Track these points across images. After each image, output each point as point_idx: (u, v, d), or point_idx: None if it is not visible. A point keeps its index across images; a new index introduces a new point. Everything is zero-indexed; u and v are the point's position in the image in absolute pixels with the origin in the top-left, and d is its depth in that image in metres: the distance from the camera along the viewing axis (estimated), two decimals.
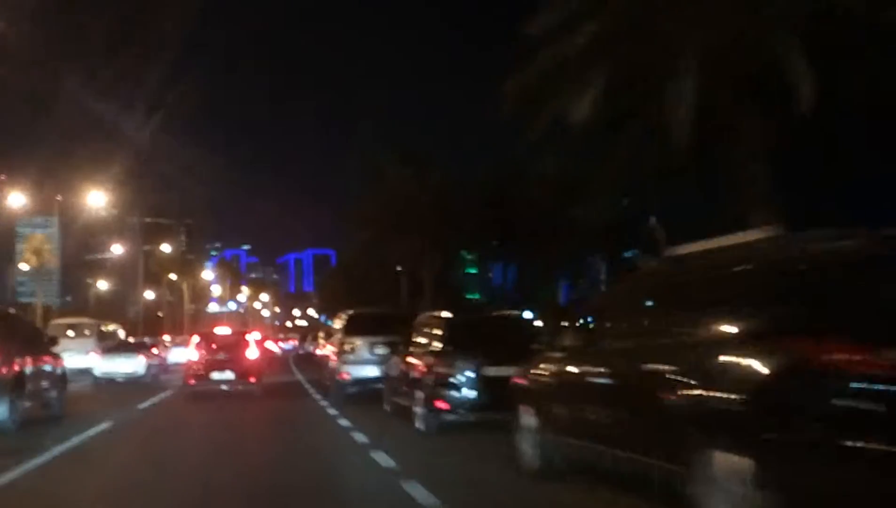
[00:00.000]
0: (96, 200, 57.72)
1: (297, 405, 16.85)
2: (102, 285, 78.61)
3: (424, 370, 11.40)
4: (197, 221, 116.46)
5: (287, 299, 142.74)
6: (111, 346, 29.13)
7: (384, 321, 16.24)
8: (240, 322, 67.38)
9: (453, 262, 28.95)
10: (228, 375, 18.17)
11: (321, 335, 35.03)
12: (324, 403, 16.27)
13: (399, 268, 36.11)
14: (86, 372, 25.96)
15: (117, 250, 70.41)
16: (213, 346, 19.19)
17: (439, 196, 28.59)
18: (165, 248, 67.40)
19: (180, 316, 72.08)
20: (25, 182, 44.97)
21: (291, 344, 67.94)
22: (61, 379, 14.53)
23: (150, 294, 71.60)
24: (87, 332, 31.15)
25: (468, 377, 10.29)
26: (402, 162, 30.17)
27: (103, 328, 33.27)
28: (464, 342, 10.88)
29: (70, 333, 30.52)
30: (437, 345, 11.49)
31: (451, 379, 10.41)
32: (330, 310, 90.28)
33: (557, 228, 25.44)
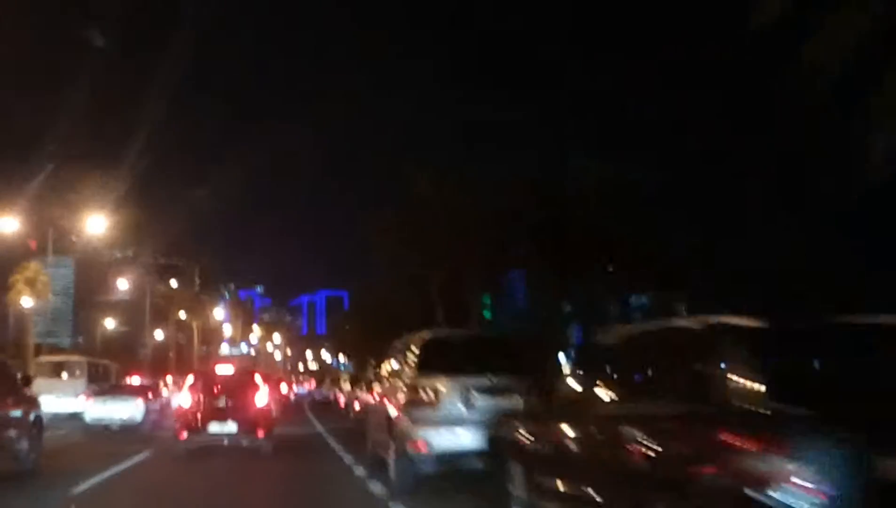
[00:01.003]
0: (109, 239, 56.01)
1: (323, 471, 12.92)
2: (111, 324, 77.22)
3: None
4: (211, 261, 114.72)
5: (300, 342, 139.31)
6: (105, 388, 25.69)
7: (480, 351, 10.38)
8: (251, 365, 63.58)
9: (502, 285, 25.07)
10: (230, 427, 14.27)
11: (343, 378, 31.56)
12: (359, 471, 11.95)
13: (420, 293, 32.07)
14: (76, 417, 23.19)
15: (125, 288, 67.84)
16: (213, 389, 15.23)
17: (486, 213, 24.74)
18: (173, 283, 64.36)
19: (190, 357, 68.65)
20: (35, 221, 42.05)
21: (306, 388, 63.93)
22: (35, 427, 12.45)
23: (159, 334, 69.80)
24: (77, 372, 27.52)
25: None
26: (441, 177, 26.19)
27: (98, 367, 29.64)
28: None
29: (64, 375, 27.03)
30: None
31: None
32: (347, 352, 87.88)
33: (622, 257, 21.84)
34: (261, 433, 14.28)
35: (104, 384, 27.45)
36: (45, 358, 29.68)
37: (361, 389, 22.18)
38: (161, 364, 61.87)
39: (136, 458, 14.41)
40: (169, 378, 40.03)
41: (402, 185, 26.57)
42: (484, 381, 9.32)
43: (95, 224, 43.22)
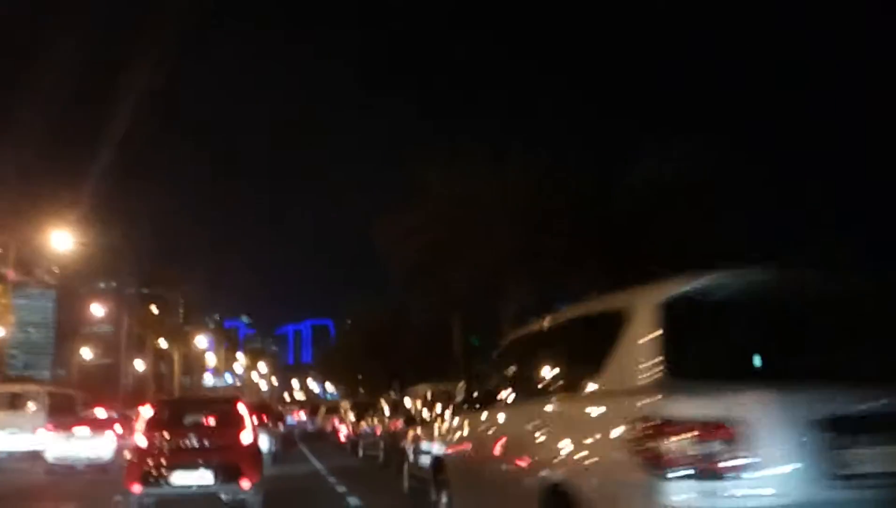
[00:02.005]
0: (91, 269, 56.37)
1: None
2: (91, 356, 74.58)
3: None
4: (195, 291, 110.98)
5: (285, 371, 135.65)
6: (69, 422, 21.81)
7: None
8: (235, 394, 59.20)
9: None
10: (203, 475, 10.17)
11: (344, 408, 27.81)
12: None
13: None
14: (35, 456, 20.28)
15: (107, 319, 64.70)
16: (180, 424, 11.34)
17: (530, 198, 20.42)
18: (154, 310, 61.15)
19: (172, 389, 64.86)
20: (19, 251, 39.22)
21: (293, 419, 59.42)
22: None
23: (140, 365, 66.74)
24: (35, 403, 23.59)
25: None
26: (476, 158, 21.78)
27: (60, 398, 25.75)
28: None
29: (29, 406, 23.20)
30: None
31: None
32: (335, 381, 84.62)
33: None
34: (246, 483, 10.16)
35: (69, 417, 23.73)
36: None
37: (373, 421, 18.88)
38: (141, 396, 57.86)
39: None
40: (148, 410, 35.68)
41: (414, 184, 22.51)
42: None
43: (74, 254, 40.66)
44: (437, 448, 7.64)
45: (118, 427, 21.57)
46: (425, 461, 8.77)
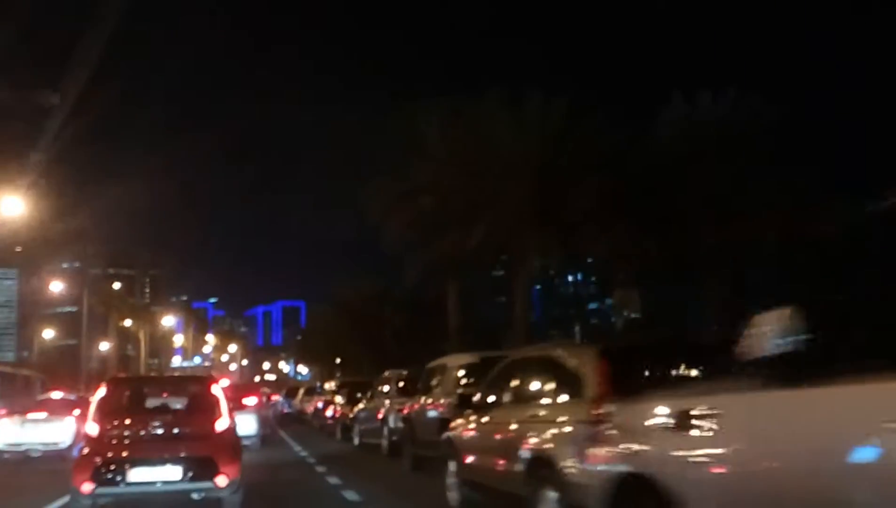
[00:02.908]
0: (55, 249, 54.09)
1: None
2: (56, 337, 72.23)
3: None
4: (162, 272, 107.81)
5: (256, 353, 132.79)
6: (24, 405, 19.43)
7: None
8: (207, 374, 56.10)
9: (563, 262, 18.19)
10: (169, 471, 8.20)
11: (331, 386, 25.28)
12: None
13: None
14: None
15: (63, 295, 62.11)
16: (140, 408, 9.12)
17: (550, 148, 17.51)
18: (116, 286, 58.52)
19: (139, 370, 61.98)
20: None
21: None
22: None
23: (105, 346, 64.03)
24: None
25: None
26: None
27: (14, 379, 23.08)
28: None
29: None
30: None
31: None
32: (308, 362, 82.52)
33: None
34: (223, 480, 8.22)
35: (24, 399, 21.15)
36: None
37: (372, 403, 16.34)
38: (104, 378, 54.91)
39: (59, 501, 9.41)
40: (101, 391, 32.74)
41: (408, 144, 19.79)
42: None
43: (37, 232, 38.21)
44: (539, 444, 6.24)
45: (78, 412, 19.31)
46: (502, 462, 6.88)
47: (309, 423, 29.05)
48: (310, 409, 30.33)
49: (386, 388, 15.72)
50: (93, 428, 8.42)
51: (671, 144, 17.05)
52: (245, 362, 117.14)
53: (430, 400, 11.60)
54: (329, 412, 22.06)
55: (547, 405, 6.29)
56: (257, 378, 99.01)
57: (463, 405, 7.88)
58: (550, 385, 6.42)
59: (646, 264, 19.06)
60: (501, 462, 6.67)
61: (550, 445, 5.84)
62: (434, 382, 11.71)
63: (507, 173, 17.70)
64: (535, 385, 6.72)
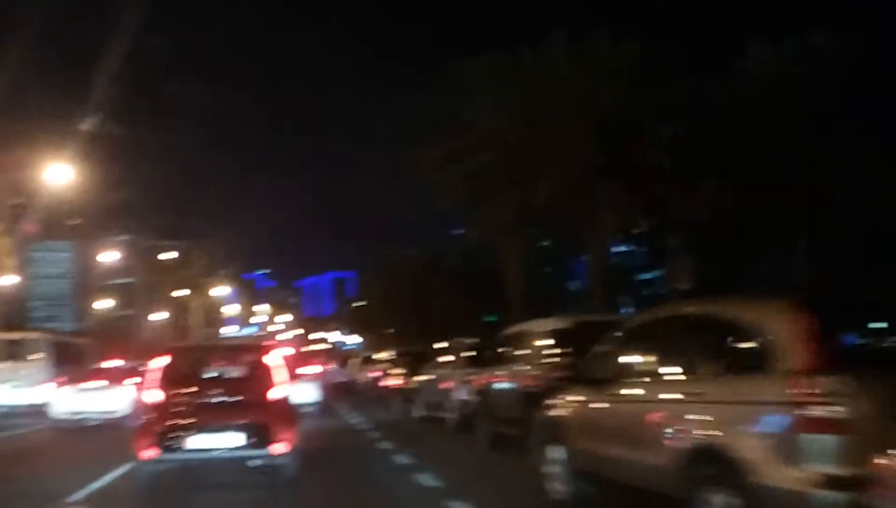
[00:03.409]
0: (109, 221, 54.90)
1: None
2: (112, 307, 73.39)
3: None
4: (214, 244, 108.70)
5: (306, 323, 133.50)
6: (81, 374, 19.26)
7: None
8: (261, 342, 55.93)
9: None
10: (228, 438, 8.28)
11: (386, 356, 24.54)
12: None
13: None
14: (39, 411, 18.20)
15: (119, 267, 63.00)
16: (198, 377, 9.32)
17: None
18: (169, 255, 59.08)
19: (192, 340, 62.53)
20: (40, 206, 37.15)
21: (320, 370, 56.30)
22: None
23: (160, 316, 64.78)
24: (37, 353, 20.58)
25: None
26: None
27: (68, 347, 22.76)
28: None
29: (34, 355, 20.20)
30: None
31: None
32: (360, 332, 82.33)
33: None
34: (280, 447, 8.33)
35: (78, 367, 20.83)
36: None
37: (437, 373, 15.31)
38: (159, 348, 55.55)
39: (120, 469, 9.44)
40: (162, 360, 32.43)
41: (460, 99, 18.54)
42: None
43: (93, 205, 38.37)
44: (703, 431, 4.80)
45: (135, 380, 18.90)
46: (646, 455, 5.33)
47: (363, 393, 28.41)
48: (363, 379, 29.73)
49: (450, 358, 14.72)
50: (155, 396, 8.57)
51: (754, 91, 15.43)
52: (295, 331, 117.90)
53: (510, 371, 10.36)
54: (385, 383, 21.26)
55: (715, 379, 4.87)
56: (308, 348, 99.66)
57: (576, 377, 6.53)
58: (718, 353, 5.00)
59: (710, 228, 17.76)
60: (639, 451, 5.30)
61: (720, 433, 4.50)
62: (515, 351, 10.45)
63: (574, 125, 16.32)
64: (691, 353, 5.24)
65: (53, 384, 18.92)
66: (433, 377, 15.42)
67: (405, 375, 18.90)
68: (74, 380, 18.35)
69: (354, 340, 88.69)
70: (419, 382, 16.56)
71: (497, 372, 10.84)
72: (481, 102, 17.90)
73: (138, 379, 18.70)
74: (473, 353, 13.58)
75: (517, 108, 17.12)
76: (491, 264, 34.86)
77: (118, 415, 16.94)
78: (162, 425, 8.29)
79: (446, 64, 19.04)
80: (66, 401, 17.37)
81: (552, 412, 6.87)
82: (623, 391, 5.63)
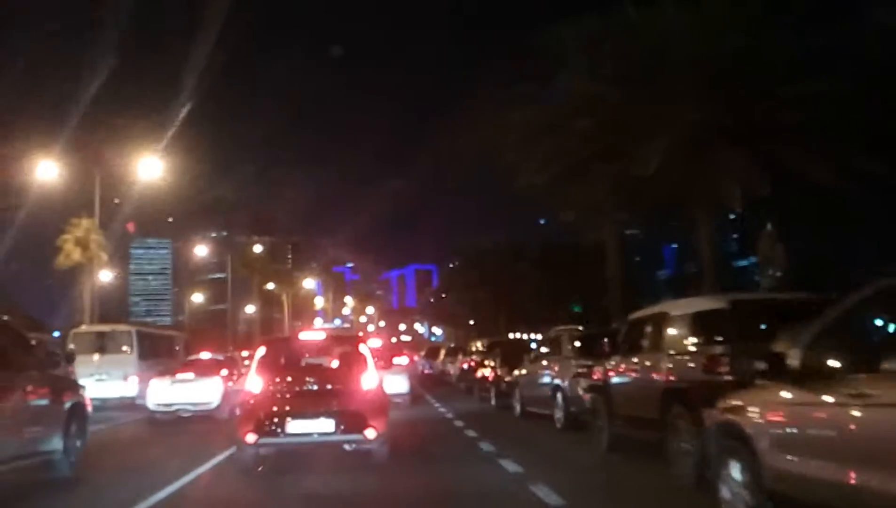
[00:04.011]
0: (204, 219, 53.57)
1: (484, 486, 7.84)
2: (206, 302, 75.18)
3: None
4: (303, 239, 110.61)
5: (391, 315, 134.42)
6: (173, 366, 19.13)
7: None
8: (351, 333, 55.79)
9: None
10: (324, 424, 8.76)
11: (478, 347, 23.43)
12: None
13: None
14: (127, 404, 18.44)
15: (213, 262, 64.12)
16: (296, 367, 10.08)
17: None
18: (257, 248, 59.53)
19: (282, 332, 63.13)
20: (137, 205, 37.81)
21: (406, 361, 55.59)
22: (73, 420, 8.95)
23: (251, 309, 65.77)
24: (124, 347, 20.33)
25: None
26: None
27: (154, 340, 22.56)
28: None
29: (125, 349, 20.00)
30: None
31: None
32: (443, 323, 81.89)
33: None
34: (371, 433, 8.75)
35: (167, 360, 20.71)
36: (85, 328, 22.44)
37: (534, 366, 13.85)
38: (251, 340, 56.39)
39: (215, 459, 9.78)
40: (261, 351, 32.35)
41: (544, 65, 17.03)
42: None
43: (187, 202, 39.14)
44: None
45: (226, 372, 18.48)
46: None
47: (453, 385, 27.40)
48: (453, 370, 28.72)
49: (551, 349, 13.28)
50: (255, 384, 9.05)
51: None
52: (382, 323, 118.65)
53: (641, 363, 8.63)
54: (480, 374, 20.04)
55: None
56: (393, 339, 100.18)
57: (776, 369, 4.75)
58: None
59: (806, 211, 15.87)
60: None
61: None
62: (645, 339, 8.63)
63: (688, 85, 14.56)
64: None
65: (136, 378, 18.79)
66: (534, 369, 13.89)
67: (499, 367, 17.60)
68: (167, 372, 18.06)
69: (440, 331, 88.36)
70: (517, 375, 15.08)
71: (623, 364, 9.16)
72: (578, 67, 16.30)
73: (226, 371, 18.63)
74: (583, 343, 12.17)
75: (621, 70, 15.43)
76: (582, 248, 33.26)
77: (210, 407, 16.68)
78: (262, 411, 8.68)
79: (538, 35, 17.53)
80: (159, 393, 16.92)
81: (733, 416, 5.13)
82: (876, 392, 3.82)
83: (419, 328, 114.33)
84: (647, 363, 8.42)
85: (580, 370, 11.20)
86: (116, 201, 33.76)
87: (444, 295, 68.22)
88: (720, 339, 6.99)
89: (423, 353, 39.89)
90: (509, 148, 18.33)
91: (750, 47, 13.97)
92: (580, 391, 11.07)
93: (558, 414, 12.10)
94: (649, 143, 14.15)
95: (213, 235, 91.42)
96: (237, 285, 71.30)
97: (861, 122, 13.10)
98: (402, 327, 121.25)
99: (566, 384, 11.72)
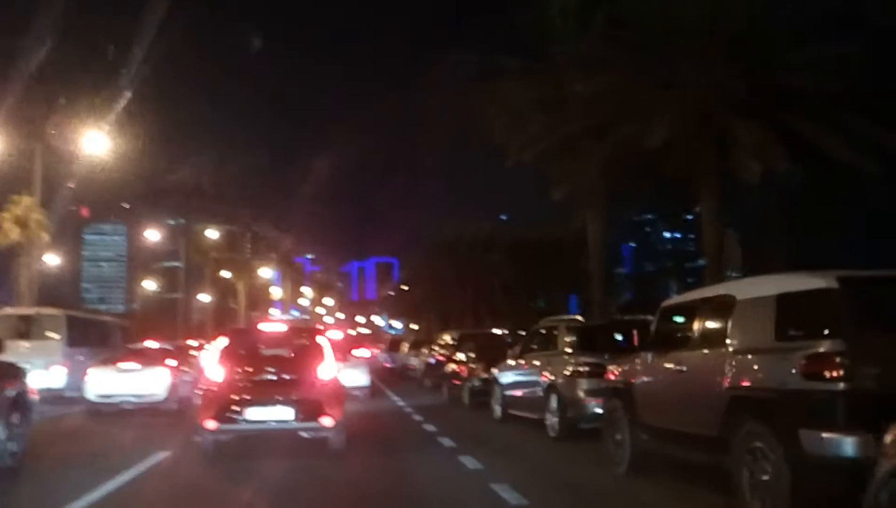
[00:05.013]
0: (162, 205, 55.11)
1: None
2: (160, 290, 73.03)
3: None
4: (262, 229, 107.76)
5: (351, 307, 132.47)
6: (115, 355, 17.40)
7: None
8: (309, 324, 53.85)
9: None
10: (282, 411, 9.03)
11: (447, 340, 21.88)
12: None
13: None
14: (56, 395, 16.57)
15: (167, 249, 62.15)
16: (256, 356, 10.14)
17: None
18: (213, 234, 57.61)
19: (239, 322, 60.97)
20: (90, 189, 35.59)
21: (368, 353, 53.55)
22: (16, 410, 8.75)
23: (206, 298, 63.39)
24: (51, 333, 18.27)
25: None
26: None
27: (86, 325, 20.67)
28: None
29: (49, 334, 18.04)
30: None
31: None
32: (403, 316, 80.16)
33: None
34: (328, 421, 9.09)
35: (102, 348, 19.03)
36: (10, 310, 20.24)
37: (524, 363, 11.85)
38: (205, 329, 54.28)
39: (154, 458, 9.25)
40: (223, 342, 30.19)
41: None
42: None
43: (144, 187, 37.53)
44: None
45: (174, 362, 16.89)
46: None
47: (417, 380, 25.76)
48: (417, 365, 27.10)
49: (544, 342, 11.46)
50: (216, 373, 9.38)
51: None
52: (340, 315, 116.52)
53: (692, 362, 6.56)
54: (450, 370, 18.38)
55: None
56: (352, 332, 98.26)
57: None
58: None
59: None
60: None
61: None
62: (694, 331, 6.70)
63: (698, 48, 13.12)
64: None
65: (64, 368, 17.05)
66: (520, 366, 12.02)
67: (474, 362, 15.96)
68: (109, 361, 16.54)
69: (399, 325, 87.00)
70: (498, 372, 12.96)
71: (657, 363, 7.11)
72: (574, 30, 14.81)
73: (175, 362, 16.96)
74: (584, 336, 10.39)
75: (622, 33, 13.99)
76: (553, 243, 32.03)
77: (155, 399, 15.56)
78: (223, 399, 9.00)
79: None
80: (100, 383, 15.54)
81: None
82: None
83: (378, 320, 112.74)
84: (702, 363, 6.41)
85: (581, 369, 9.61)
86: (71, 184, 31.79)
87: (405, 287, 66.72)
88: (826, 331, 5.10)
89: (384, 345, 38.20)
90: (495, 124, 16.82)
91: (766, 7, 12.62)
92: (580, 394, 9.49)
93: (551, 420, 10.34)
94: (656, 113, 12.74)
95: (171, 222, 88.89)
96: (193, 274, 68.98)
97: (881, 92, 11.89)
98: (362, 319, 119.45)
99: (562, 384, 10.00)
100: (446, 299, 42.55)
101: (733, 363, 5.91)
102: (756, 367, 5.68)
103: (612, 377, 8.10)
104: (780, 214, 16.39)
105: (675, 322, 7.23)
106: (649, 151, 12.76)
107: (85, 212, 73.23)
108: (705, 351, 6.43)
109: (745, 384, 5.73)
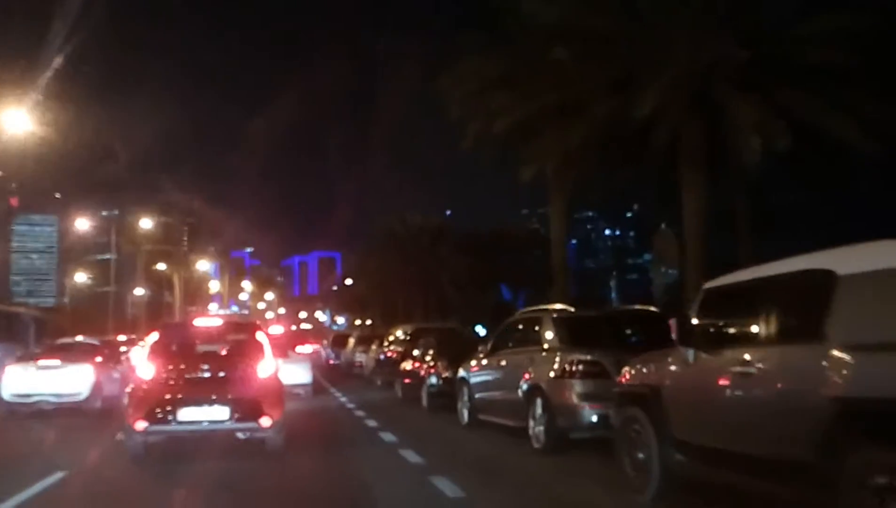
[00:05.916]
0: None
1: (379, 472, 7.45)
2: (93, 283, 69.83)
3: None
4: (199, 221, 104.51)
5: (292, 302, 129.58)
6: (34, 352, 16.36)
7: None
8: (248, 320, 51.61)
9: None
10: (217, 411, 8.36)
11: (400, 335, 20.42)
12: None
13: None
14: None
15: (100, 241, 59.58)
16: (189, 353, 9.38)
17: None
18: (145, 223, 55.31)
19: (172, 317, 58.44)
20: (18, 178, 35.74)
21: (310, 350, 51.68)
22: None
23: (140, 292, 60.69)
24: None
25: None
26: None
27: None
28: None
29: None
30: None
31: None
32: (347, 311, 78.18)
33: None
34: (266, 421, 8.45)
35: (9, 344, 17.85)
36: None
37: (503, 362, 10.16)
38: (138, 324, 51.83)
39: (71, 469, 8.00)
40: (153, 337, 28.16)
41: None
42: None
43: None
44: None
45: (100, 359, 15.54)
46: None
47: (366, 378, 24.28)
48: (365, 362, 25.56)
49: (522, 337, 10.06)
50: (146, 370, 8.78)
51: None
52: (282, 310, 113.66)
53: (764, 362, 4.86)
54: (404, 368, 16.97)
55: None
56: (294, 327, 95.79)
57: None
58: None
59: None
60: None
61: None
62: (759, 320, 5.02)
63: (691, 13, 12.06)
64: None
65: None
66: (494, 364, 10.42)
67: (434, 359, 14.56)
68: (27, 358, 15.33)
69: (342, 320, 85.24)
70: (466, 372, 11.31)
71: (702, 361, 5.45)
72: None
73: (101, 358, 15.36)
74: (577, 329, 8.95)
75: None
76: (498, 233, 31.05)
77: (78, 398, 14.42)
78: (153, 398, 8.45)
79: None
80: (17, 382, 14.20)
81: None
82: None
83: (321, 316, 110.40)
84: (783, 363, 4.81)
85: (573, 368, 8.23)
86: None
87: (349, 282, 64.95)
88: None
89: (327, 341, 36.46)
90: (455, 104, 15.55)
91: None
92: (574, 398, 8.11)
93: (536, 429, 8.75)
94: (645, 82, 11.66)
95: (105, 213, 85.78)
96: (127, 267, 66.06)
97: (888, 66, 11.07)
98: (304, 314, 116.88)
99: (549, 386, 8.50)
100: (393, 294, 41.15)
101: (838, 362, 4.27)
102: (878, 369, 4.07)
103: (628, 380, 6.53)
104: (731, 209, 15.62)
105: (730, 310, 5.54)
106: (631, 128, 11.67)
107: (14, 202, 69.76)
108: (788, 347, 4.80)
109: (857, 392, 4.14)
